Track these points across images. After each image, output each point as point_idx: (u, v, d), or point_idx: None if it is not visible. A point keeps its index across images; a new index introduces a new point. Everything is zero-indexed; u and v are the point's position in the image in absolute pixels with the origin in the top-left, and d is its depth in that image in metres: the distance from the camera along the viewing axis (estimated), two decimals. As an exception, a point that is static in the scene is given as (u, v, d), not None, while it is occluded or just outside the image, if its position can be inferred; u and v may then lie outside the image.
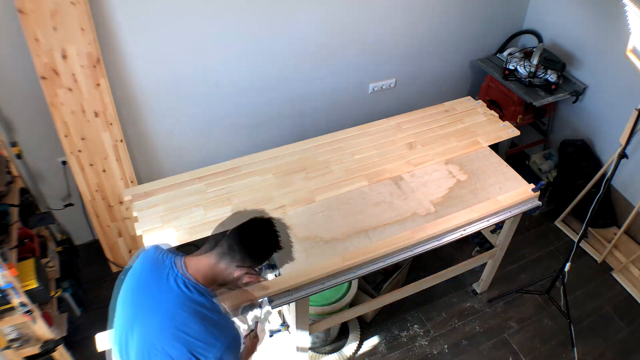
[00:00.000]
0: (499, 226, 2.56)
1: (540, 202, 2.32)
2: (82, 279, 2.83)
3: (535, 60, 3.11)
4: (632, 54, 2.25)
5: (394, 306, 2.84)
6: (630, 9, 2.07)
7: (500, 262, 2.78)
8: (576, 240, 2.52)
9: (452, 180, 2.35)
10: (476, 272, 2.99)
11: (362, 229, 2.08)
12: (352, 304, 2.45)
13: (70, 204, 2.77)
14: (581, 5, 3.10)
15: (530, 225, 3.35)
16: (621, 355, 2.67)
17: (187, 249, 3.09)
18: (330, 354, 2.58)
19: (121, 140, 2.53)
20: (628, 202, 3.14)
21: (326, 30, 2.84)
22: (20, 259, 2.08)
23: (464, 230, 2.15)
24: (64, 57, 2.19)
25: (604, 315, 2.87)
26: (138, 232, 2.02)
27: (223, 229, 1.54)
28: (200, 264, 1.40)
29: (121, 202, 2.71)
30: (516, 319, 2.83)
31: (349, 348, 2.59)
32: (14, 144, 2.41)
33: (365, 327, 2.75)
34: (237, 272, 1.41)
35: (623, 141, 2.28)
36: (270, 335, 2.26)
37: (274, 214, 2.13)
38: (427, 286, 2.54)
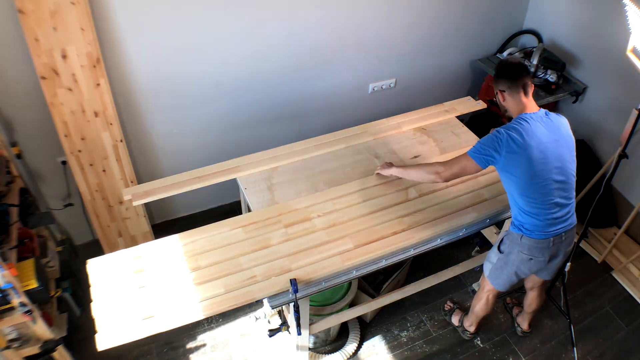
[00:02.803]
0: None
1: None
2: (82, 279, 2.83)
3: (535, 60, 3.11)
4: (632, 53, 2.25)
5: (394, 306, 2.84)
6: (630, 9, 2.07)
7: (500, 262, 2.78)
8: (576, 240, 2.52)
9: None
10: (476, 272, 2.99)
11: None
12: (352, 304, 2.45)
13: (70, 204, 2.77)
14: (581, 5, 3.10)
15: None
16: (621, 355, 2.67)
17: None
18: (330, 354, 2.58)
19: (121, 140, 2.53)
20: (628, 202, 3.14)
21: (326, 30, 2.84)
22: (20, 259, 2.07)
23: (464, 230, 2.15)
24: (64, 57, 2.19)
25: (603, 315, 2.87)
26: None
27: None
28: None
29: (121, 202, 2.71)
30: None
31: (349, 348, 2.59)
32: (14, 144, 2.41)
33: (365, 327, 2.75)
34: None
35: (623, 141, 2.28)
36: (270, 336, 2.27)
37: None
38: (427, 286, 2.54)
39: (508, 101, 1.95)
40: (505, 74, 1.94)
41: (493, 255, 2.16)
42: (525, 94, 1.92)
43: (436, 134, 2.61)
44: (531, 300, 2.50)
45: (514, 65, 1.94)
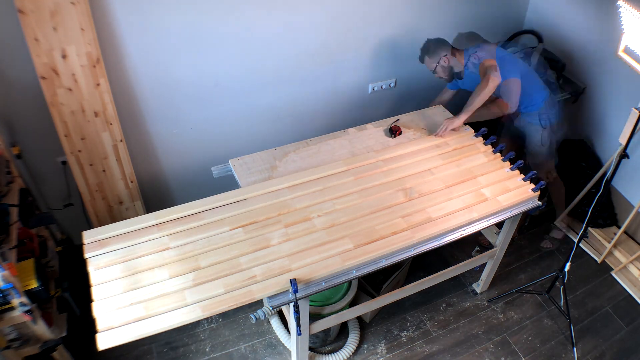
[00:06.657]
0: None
1: (540, 202, 2.32)
2: (82, 279, 2.82)
3: (535, 61, 3.11)
4: (625, 53, 2.24)
5: (394, 306, 2.84)
6: (624, 9, 2.06)
7: (500, 262, 2.78)
8: (576, 240, 2.52)
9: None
10: (476, 272, 2.99)
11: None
12: (352, 304, 2.45)
13: (70, 204, 2.77)
14: (581, 5, 3.10)
15: (530, 225, 3.35)
16: (621, 355, 2.67)
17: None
18: (330, 354, 2.58)
19: (121, 140, 2.53)
20: (628, 202, 3.14)
21: (326, 30, 2.84)
22: (20, 259, 2.07)
23: (464, 230, 2.15)
24: (64, 57, 2.19)
25: (603, 315, 2.87)
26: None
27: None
28: None
29: (121, 202, 2.71)
30: (516, 319, 2.83)
31: (349, 348, 2.59)
32: (14, 144, 2.41)
33: (365, 327, 2.75)
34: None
35: (623, 141, 2.28)
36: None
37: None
38: (427, 286, 2.54)
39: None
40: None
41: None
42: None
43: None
44: None
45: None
